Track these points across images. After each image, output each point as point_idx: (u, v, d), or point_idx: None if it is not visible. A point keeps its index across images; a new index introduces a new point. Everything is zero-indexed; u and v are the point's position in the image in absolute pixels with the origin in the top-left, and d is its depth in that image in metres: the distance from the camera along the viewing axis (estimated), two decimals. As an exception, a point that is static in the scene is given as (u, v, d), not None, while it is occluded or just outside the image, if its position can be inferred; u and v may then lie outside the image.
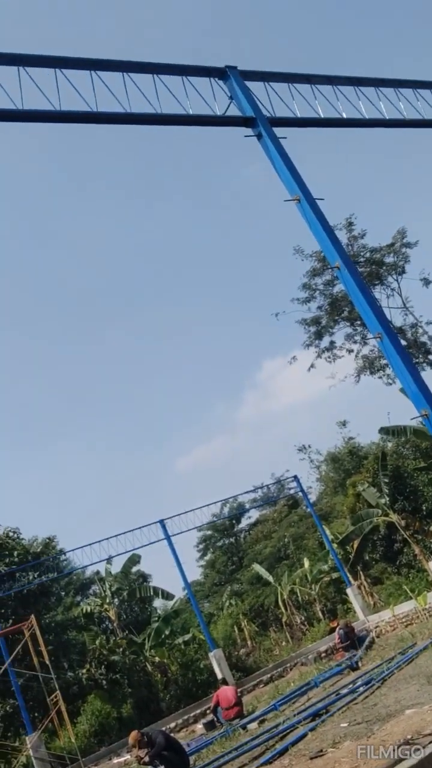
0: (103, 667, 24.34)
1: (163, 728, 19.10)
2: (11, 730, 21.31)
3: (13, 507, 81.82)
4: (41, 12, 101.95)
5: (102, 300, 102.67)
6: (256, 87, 13.59)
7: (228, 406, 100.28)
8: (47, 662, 20.24)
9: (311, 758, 7.10)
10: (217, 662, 22.37)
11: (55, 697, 20.06)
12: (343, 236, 35.93)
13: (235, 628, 36.38)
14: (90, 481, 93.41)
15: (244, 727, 12.87)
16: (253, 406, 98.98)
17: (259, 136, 12.60)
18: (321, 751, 7.23)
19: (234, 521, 55.49)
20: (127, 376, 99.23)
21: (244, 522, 56.72)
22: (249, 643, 35.04)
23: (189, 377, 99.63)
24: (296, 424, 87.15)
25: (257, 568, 38.79)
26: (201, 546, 56.73)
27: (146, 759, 10.98)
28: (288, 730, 10.15)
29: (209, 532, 54.69)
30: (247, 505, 52.99)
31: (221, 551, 55.50)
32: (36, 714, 21.22)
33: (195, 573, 56.90)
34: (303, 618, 34.00)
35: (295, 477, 31.30)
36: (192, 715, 19.85)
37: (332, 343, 38.06)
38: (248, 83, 13.35)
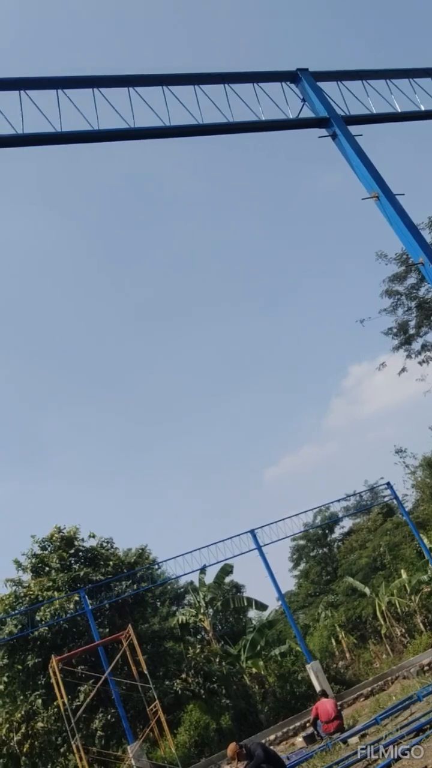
0: (200, 676, 24.43)
1: (263, 740, 18.90)
2: (114, 739, 21.68)
3: (107, 519, 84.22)
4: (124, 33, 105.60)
5: (188, 313, 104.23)
6: (328, 87, 13.45)
7: (315, 414, 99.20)
8: (145, 671, 20.51)
9: (416, 774, 6.76)
10: (314, 674, 21.91)
11: (155, 706, 20.29)
12: (426, 236, 34.78)
13: (332, 640, 35.53)
14: (180, 493, 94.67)
15: (344, 741, 12.49)
16: (341, 413, 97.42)
17: (333, 136, 12.43)
18: (427, 767, 6.88)
19: (327, 530, 54.45)
20: (213, 389, 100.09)
21: (337, 531, 55.58)
22: (347, 655, 34.12)
23: (275, 387, 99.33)
24: (387, 431, 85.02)
25: (350, 580, 37.83)
26: (294, 556, 56.01)
27: (245, 771, 10.87)
28: (390, 746, 9.74)
29: (302, 542, 53.92)
30: (340, 514, 51.96)
31: (315, 561, 54.54)
32: (137, 723, 21.50)
33: (288, 583, 56.30)
34: (403, 630, 32.76)
35: (388, 484, 30.31)
36: (291, 727, 19.52)
37: (424, 346, 36.81)
38: (320, 84, 13.23)
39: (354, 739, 12.36)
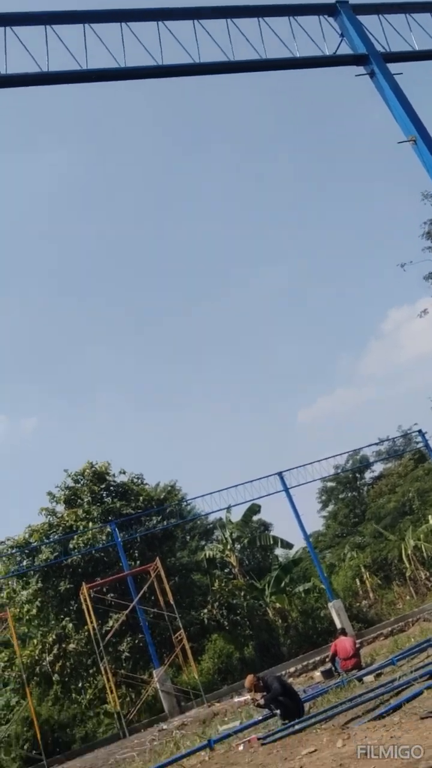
0: (224, 608, 25.26)
1: (283, 672, 19.63)
2: (140, 664, 22.78)
3: (138, 454, 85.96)
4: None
5: (228, 257, 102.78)
6: (368, 21, 12.61)
7: (352, 357, 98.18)
8: (171, 602, 21.33)
9: (422, 718, 6.90)
10: (336, 612, 22.46)
11: (180, 635, 21.17)
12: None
13: (357, 580, 36.17)
14: (212, 431, 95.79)
15: (360, 679, 12.84)
16: (378, 357, 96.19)
17: (371, 74, 11.76)
18: (432, 712, 7.03)
19: (357, 474, 54.80)
20: (251, 329, 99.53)
21: (368, 475, 55.88)
22: (371, 595, 34.77)
23: (313, 329, 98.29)
24: (425, 377, 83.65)
25: (376, 527, 38.24)
26: (323, 497, 56.71)
27: (261, 702, 11.31)
28: (404, 687, 9.97)
29: (331, 484, 54.42)
30: (371, 459, 52.10)
31: (343, 503, 55.16)
32: (162, 650, 22.48)
33: (317, 523, 57.20)
34: (428, 574, 33.13)
35: (420, 431, 30.11)
36: (311, 661, 20.14)
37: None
38: (360, 17, 12.43)
39: (369, 678, 12.70)
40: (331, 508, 56.54)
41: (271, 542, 32.54)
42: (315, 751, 7.27)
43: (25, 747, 19.99)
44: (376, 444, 48.16)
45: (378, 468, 54.28)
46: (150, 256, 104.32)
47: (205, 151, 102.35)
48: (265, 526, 43.85)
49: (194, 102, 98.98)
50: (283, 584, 28.95)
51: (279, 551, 35.29)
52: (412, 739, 6.20)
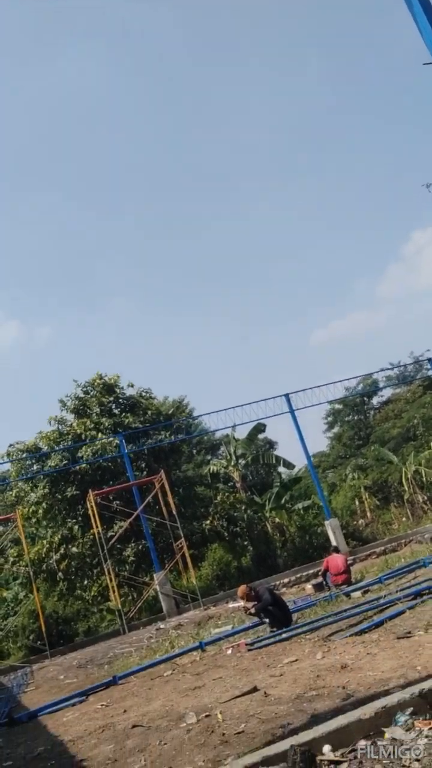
0: (225, 520, 26.22)
1: (277, 582, 20.58)
2: (143, 567, 23.90)
3: (147, 369, 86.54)
4: None
5: (246, 176, 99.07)
6: None
7: (370, 279, 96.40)
8: (174, 512, 22.12)
9: (398, 638, 7.28)
10: (332, 530, 23.23)
11: (181, 543, 22.10)
12: None
13: (356, 501, 37.22)
14: (223, 349, 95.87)
15: (348, 595, 13.44)
16: (396, 281, 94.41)
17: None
18: (409, 632, 7.39)
19: (365, 398, 55.10)
20: (269, 246, 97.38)
21: (375, 400, 56.16)
22: (368, 515, 35.84)
23: (332, 248, 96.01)
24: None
25: (381, 450, 38.79)
26: (329, 419, 57.35)
27: (252, 611, 11.94)
28: (388, 605, 10.43)
29: (339, 407, 54.87)
30: (381, 383, 52.22)
31: (349, 426, 55.81)
32: (164, 556, 23.52)
33: (321, 444, 58.15)
34: (425, 498, 33.97)
35: (430, 359, 29.99)
36: (305, 574, 21.03)
37: None
38: None
39: (357, 594, 13.29)
40: (336, 430, 57.27)
41: (274, 461, 33.27)
42: (296, 660, 7.74)
43: (31, 637, 21.42)
44: (387, 369, 48.14)
45: (386, 393, 54.52)
46: (169, 170, 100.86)
47: (230, 63, 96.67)
48: (270, 444, 44.69)
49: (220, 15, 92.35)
50: (283, 501, 29.82)
51: (282, 470, 36.12)
52: (387, 656, 6.56)
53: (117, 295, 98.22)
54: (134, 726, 6.59)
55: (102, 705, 8.67)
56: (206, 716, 6.08)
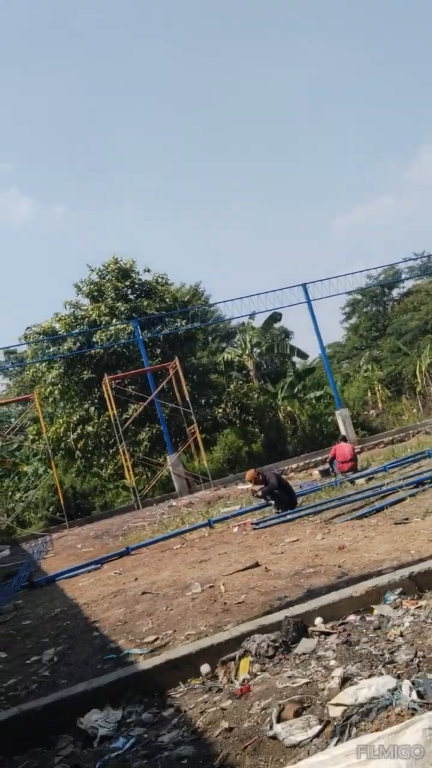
0: (237, 408, 26.76)
1: (286, 468, 21.31)
2: (156, 449, 24.75)
3: (164, 253, 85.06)
4: None
5: (276, 38, 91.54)
6: None
7: (400, 161, 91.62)
8: (187, 398, 22.57)
9: (396, 523, 7.59)
10: (342, 420, 23.67)
11: (193, 428, 22.72)
12: None
13: (368, 392, 37.62)
14: (241, 235, 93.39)
15: (352, 482, 13.91)
16: (427, 165, 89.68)
17: None
18: (407, 518, 7.69)
19: (385, 289, 54.08)
20: (290, 124, 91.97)
21: (395, 292, 55.12)
22: (380, 405, 36.34)
23: (361, 123, 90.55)
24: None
25: (397, 342, 38.57)
26: (347, 309, 56.70)
27: (259, 493, 12.47)
28: (389, 492, 10.81)
29: (358, 296, 54.01)
30: (404, 275, 50.92)
31: (366, 317, 55.23)
32: (177, 439, 24.27)
33: (337, 335, 57.93)
34: (438, 391, 34.24)
35: (455, 250, 29.02)
36: (313, 460, 21.71)
37: None
38: None
39: (361, 481, 13.75)
40: (353, 320, 56.75)
41: (289, 351, 33.33)
42: (297, 540, 8.15)
43: (50, 509, 22.67)
44: (411, 259, 46.86)
45: (408, 284, 53.37)
46: (193, 35, 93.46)
47: None
48: (286, 334, 44.59)
49: None
50: (296, 390, 30.21)
51: (296, 360, 36.27)
52: (383, 540, 6.88)
53: (136, 171, 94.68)
54: (144, 593, 7.10)
55: (115, 573, 9.30)
56: (210, 587, 6.51)
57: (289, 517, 10.74)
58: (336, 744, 2.63)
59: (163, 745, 3.34)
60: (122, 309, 25.39)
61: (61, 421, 25.97)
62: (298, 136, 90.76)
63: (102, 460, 25.63)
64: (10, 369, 38.50)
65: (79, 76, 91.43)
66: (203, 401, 26.62)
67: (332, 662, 3.72)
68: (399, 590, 4.64)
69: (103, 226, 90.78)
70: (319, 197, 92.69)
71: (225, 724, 3.32)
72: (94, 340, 24.96)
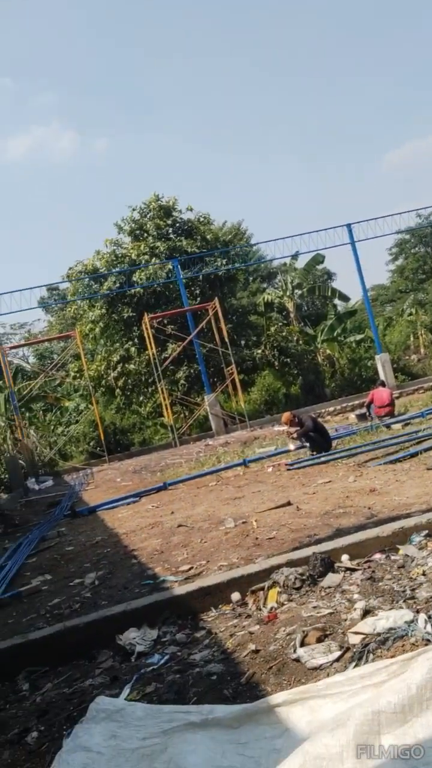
0: (276, 350, 26.75)
1: (323, 411, 21.41)
2: (194, 389, 25.08)
3: (205, 191, 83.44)
4: None
5: None
6: None
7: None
8: (226, 339, 22.64)
9: (428, 469, 7.69)
10: (381, 365, 23.48)
11: (231, 368, 22.89)
12: None
13: (411, 336, 37.01)
14: (287, 172, 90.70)
15: (388, 426, 13.96)
16: None
17: None
18: (440, 464, 7.79)
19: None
20: (335, 53, 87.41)
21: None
22: (422, 350, 35.81)
23: (412, 56, 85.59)
24: None
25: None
26: (394, 250, 55.16)
27: (294, 435, 12.65)
28: (425, 438, 10.84)
29: (406, 236, 52.33)
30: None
31: (414, 259, 53.71)
32: (215, 380, 24.52)
33: (382, 277, 56.70)
34: None
35: None
36: (350, 404, 21.74)
37: None
38: None
39: (397, 426, 13.77)
40: (400, 262, 55.28)
41: (330, 293, 32.84)
42: (329, 482, 8.35)
43: (91, 444, 23.42)
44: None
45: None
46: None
47: None
48: (328, 276, 43.84)
49: None
50: (336, 333, 29.93)
51: (337, 302, 35.74)
52: (414, 484, 7.01)
53: (180, 105, 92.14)
54: (179, 525, 7.44)
55: (152, 506, 9.70)
56: (243, 522, 6.79)
57: (323, 459, 10.92)
58: (354, 668, 2.84)
59: (195, 663, 3.62)
60: (162, 248, 25.29)
61: (101, 358, 26.45)
62: (349, 65, 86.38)
63: (141, 398, 26.14)
64: (53, 306, 39.04)
65: (124, 5, 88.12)
66: (242, 342, 26.68)
67: (356, 596, 3.92)
68: (425, 532, 4.79)
69: (145, 161, 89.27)
70: (368, 135, 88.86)
71: (252, 647, 3.57)
72: (134, 279, 25.05)
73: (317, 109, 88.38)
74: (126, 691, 3.43)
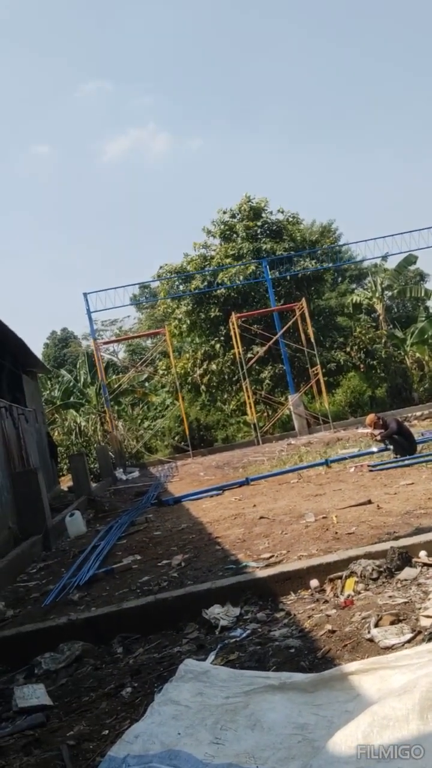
0: (362, 352, 26.47)
1: (409, 415, 21.05)
2: (278, 389, 25.28)
3: (297, 189, 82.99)
4: None
5: None
6: None
7: None
8: (312, 340, 22.71)
9: None
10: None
11: (316, 369, 22.92)
12: None
13: None
14: (379, 172, 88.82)
15: None
16: None
17: None
18: None
19: None
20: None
21: None
22: None
23: None
24: None
25: None
26: None
27: (378, 438, 12.62)
28: None
29: None
30: None
31: None
32: (299, 380, 24.61)
33: None
34: None
35: None
36: (438, 409, 21.28)
37: None
38: None
39: None
40: None
41: (423, 294, 32.05)
42: (412, 483, 8.37)
43: (176, 438, 24.09)
44: None
45: None
46: None
47: None
48: (421, 277, 42.74)
49: None
50: (426, 336, 29.21)
51: (430, 304, 34.78)
52: None
53: (272, 105, 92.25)
54: (261, 517, 7.72)
55: (235, 498, 10.04)
56: (323, 517, 6.98)
57: (407, 462, 10.86)
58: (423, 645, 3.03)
59: (274, 638, 3.90)
60: (250, 248, 25.63)
61: (188, 356, 27.13)
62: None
63: (225, 396, 26.62)
64: (144, 304, 40.27)
65: (216, 6, 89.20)
66: (328, 343, 26.59)
67: (431, 588, 4.08)
68: None
69: (237, 159, 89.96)
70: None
71: (329, 627, 3.81)
72: (220, 280, 25.54)
73: (415, 100, 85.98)
74: (211, 657, 3.76)
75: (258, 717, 2.86)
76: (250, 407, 22.61)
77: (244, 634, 4.07)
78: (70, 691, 3.83)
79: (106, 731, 3.19)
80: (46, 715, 3.55)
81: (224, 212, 27.42)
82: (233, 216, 27.40)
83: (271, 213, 27.49)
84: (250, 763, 2.56)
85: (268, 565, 5.42)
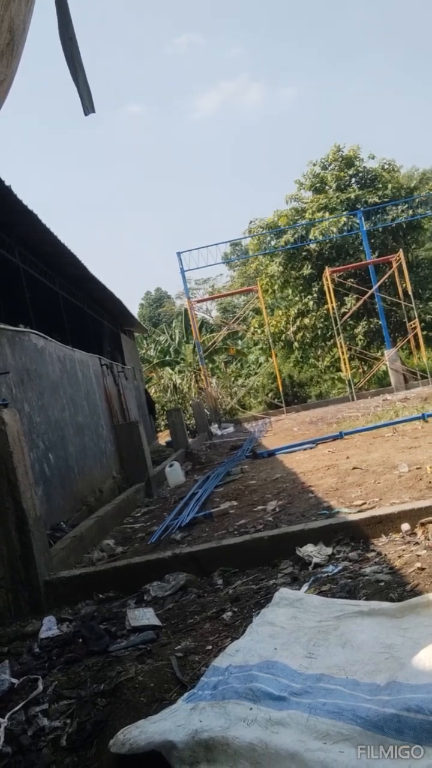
0: (463, 304, 25.43)
1: None
2: (374, 344, 24.84)
3: (395, 135, 79.00)
4: None
5: None
6: None
7: None
8: (410, 293, 22.04)
9: None
10: None
11: (414, 323, 22.29)
12: None
13: None
14: None
15: None
16: None
17: None
18: None
19: None
20: None
21: None
22: None
23: None
24: None
25: None
26: None
27: None
28: None
29: None
30: None
31: None
32: (396, 335, 24.04)
33: None
34: None
35: None
36: None
37: None
38: None
39: None
40: None
41: None
42: None
43: (269, 395, 24.35)
44: None
45: None
46: None
47: None
48: None
49: None
50: None
51: None
52: None
53: (370, 51, 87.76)
54: (354, 468, 7.87)
55: (329, 451, 10.20)
56: (417, 468, 7.03)
57: None
58: None
59: (365, 573, 4.11)
60: (343, 199, 24.97)
61: (280, 313, 27.09)
62: None
63: (318, 352, 26.48)
64: (236, 261, 40.31)
65: None
66: (427, 296, 25.70)
67: None
68: None
69: (333, 107, 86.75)
70: None
71: (418, 565, 3.97)
72: (313, 234, 25.12)
73: None
74: (305, 587, 4.03)
75: (348, 637, 3.10)
76: (345, 363, 22.41)
77: (336, 570, 4.30)
78: (176, 615, 4.23)
79: (210, 647, 3.54)
80: (156, 633, 3.96)
81: (314, 164, 26.77)
82: (324, 167, 26.69)
83: (363, 161, 26.56)
84: (341, 674, 2.82)
85: (360, 511, 5.60)
